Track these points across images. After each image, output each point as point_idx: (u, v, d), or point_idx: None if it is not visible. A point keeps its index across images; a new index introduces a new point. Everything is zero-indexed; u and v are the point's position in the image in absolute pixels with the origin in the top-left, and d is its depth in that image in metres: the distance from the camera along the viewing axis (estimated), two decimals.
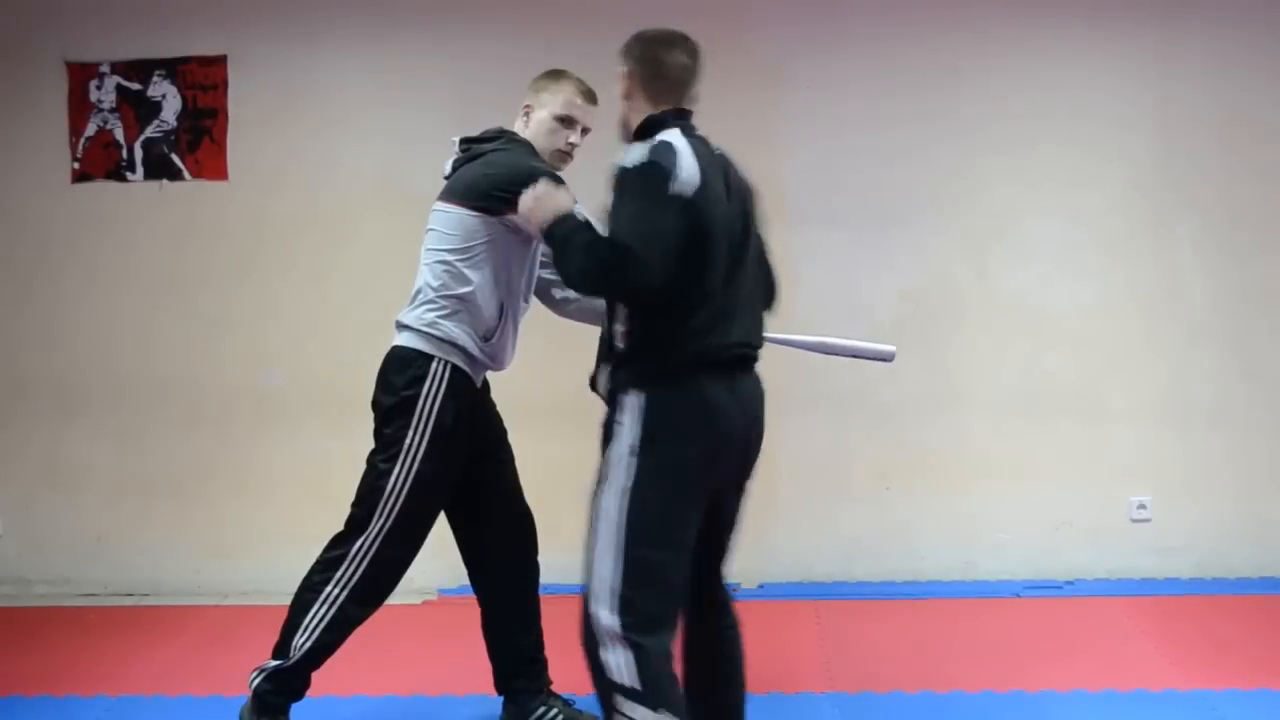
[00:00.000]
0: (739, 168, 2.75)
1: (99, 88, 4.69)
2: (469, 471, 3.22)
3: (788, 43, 4.53)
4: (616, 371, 2.65)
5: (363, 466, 3.16)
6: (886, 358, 3.16)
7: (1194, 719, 3.39)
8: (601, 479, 2.63)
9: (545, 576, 3.49)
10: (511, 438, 3.37)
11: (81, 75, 4.68)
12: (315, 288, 4.67)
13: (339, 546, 3.12)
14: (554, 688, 3.38)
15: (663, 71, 2.71)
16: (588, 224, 2.61)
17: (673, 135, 2.63)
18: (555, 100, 3.21)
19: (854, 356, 3.21)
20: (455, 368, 3.10)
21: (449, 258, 3.08)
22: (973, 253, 4.62)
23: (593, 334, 2.84)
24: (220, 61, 4.66)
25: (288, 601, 3.20)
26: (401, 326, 3.14)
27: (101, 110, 4.69)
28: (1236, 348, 4.59)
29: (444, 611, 4.33)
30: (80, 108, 4.69)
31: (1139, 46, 4.56)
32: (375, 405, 3.15)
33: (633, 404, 2.59)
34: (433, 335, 3.09)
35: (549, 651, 3.37)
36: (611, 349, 2.67)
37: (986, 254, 4.62)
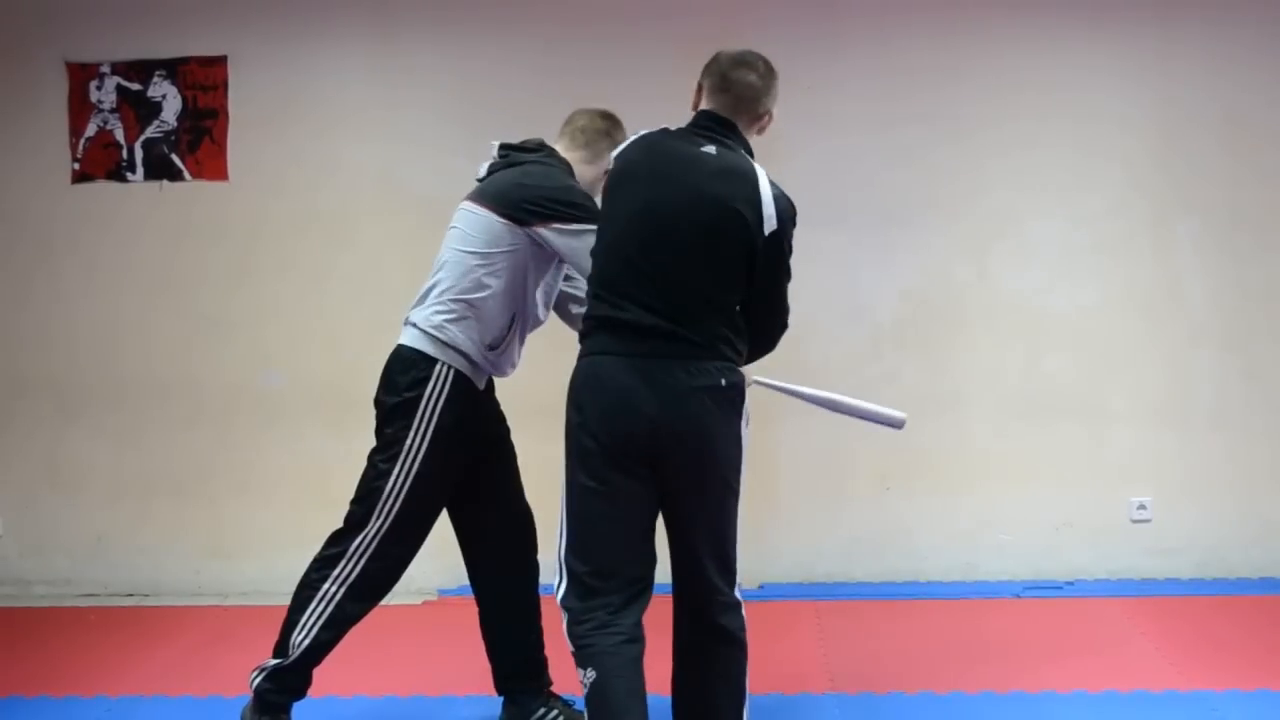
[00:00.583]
0: (730, 180, 2.72)
1: (99, 88, 4.69)
2: (470, 470, 3.22)
3: (788, 44, 4.50)
4: None
5: (363, 467, 3.16)
6: (896, 425, 3.13)
7: (1194, 719, 3.39)
8: None
9: (545, 577, 3.49)
10: (513, 437, 3.37)
11: (82, 75, 4.68)
12: (315, 288, 4.67)
13: (337, 544, 3.13)
14: (554, 688, 3.38)
15: (725, 85, 2.85)
16: None
17: (653, 127, 2.83)
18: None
19: (862, 419, 3.19)
20: (458, 372, 3.10)
21: (470, 260, 3.09)
22: (973, 253, 4.62)
23: None
24: (220, 62, 4.66)
25: (288, 602, 3.20)
26: (409, 324, 3.15)
27: (102, 110, 4.69)
28: (1236, 348, 4.59)
29: (444, 611, 4.32)
30: (80, 108, 4.69)
31: (1139, 47, 4.56)
32: (378, 404, 3.16)
33: None
34: (438, 339, 3.09)
35: (549, 652, 3.37)
36: None
37: (987, 255, 4.62)
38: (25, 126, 4.70)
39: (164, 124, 4.69)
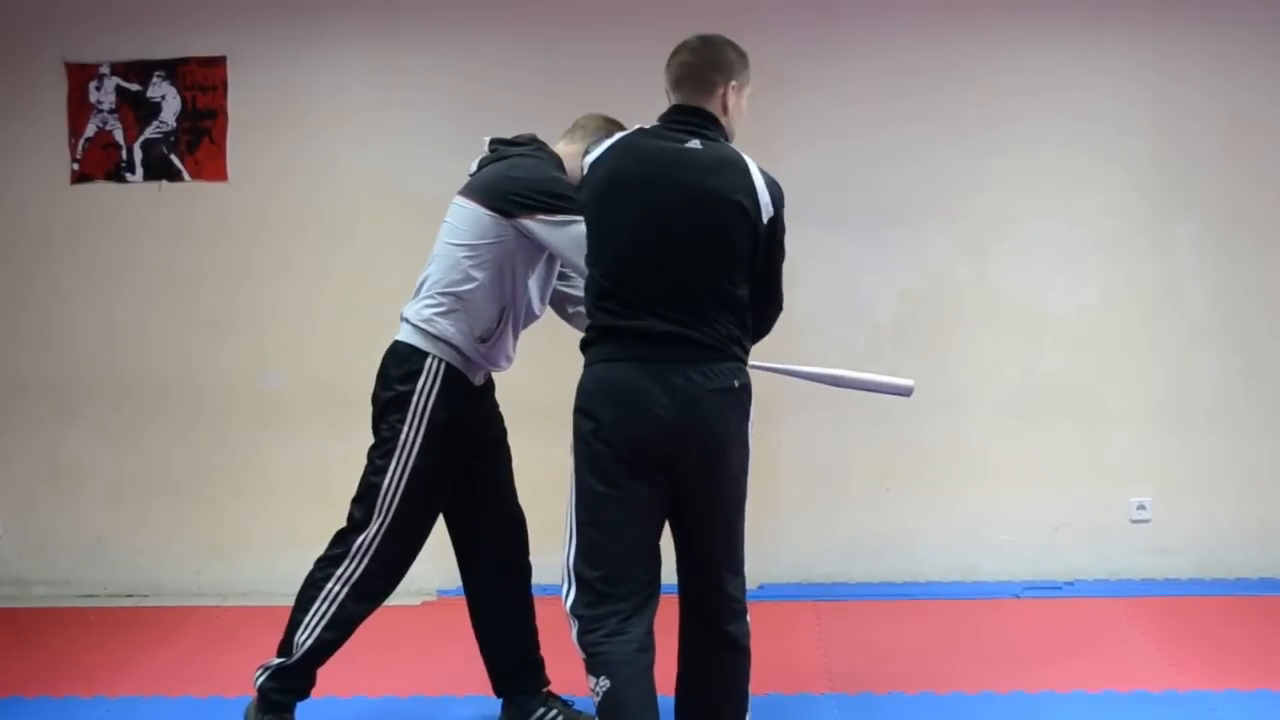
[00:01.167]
0: (720, 171, 2.72)
1: (98, 88, 4.69)
2: (465, 469, 3.22)
3: (788, 44, 4.53)
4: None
5: (362, 467, 3.16)
6: (904, 392, 3.09)
7: (1193, 719, 3.39)
8: None
9: (545, 577, 3.49)
10: (511, 438, 3.37)
11: (81, 76, 4.68)
12: (315, 288, 4.67)
13: (340, 544, 3.14)
14: (553, 688, 3.38)
15: (669, 73, 2.86)
16: None
17: (630, 129, 2.83)
18: None
19: (868, 390, 3.17)
20: (450, 365, 3.10)
21: (457, 253, 3.10)
22: (973, 253, 4.62)
23: None
24: (220, 62, 4.66)
25: (288, 603, 3.20)
26: (403, 320, 3.16)
27: (101, 111, 4.69)
28: (1236, 348, 4.59)
29: (444, 612, 4.32)
30: (80, 109, 4.69)
31: (1139, 47, 4.56)
32: (373, 399, 3.17)
33: None
34: (428, 332, 3.10)
35: (549, 653, 3.37)
36: None
37: (986, 254, 4.62)
38: (25, 127, 4.70)
39: (163, 124, 4.68)
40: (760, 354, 2.89)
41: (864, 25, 4.57)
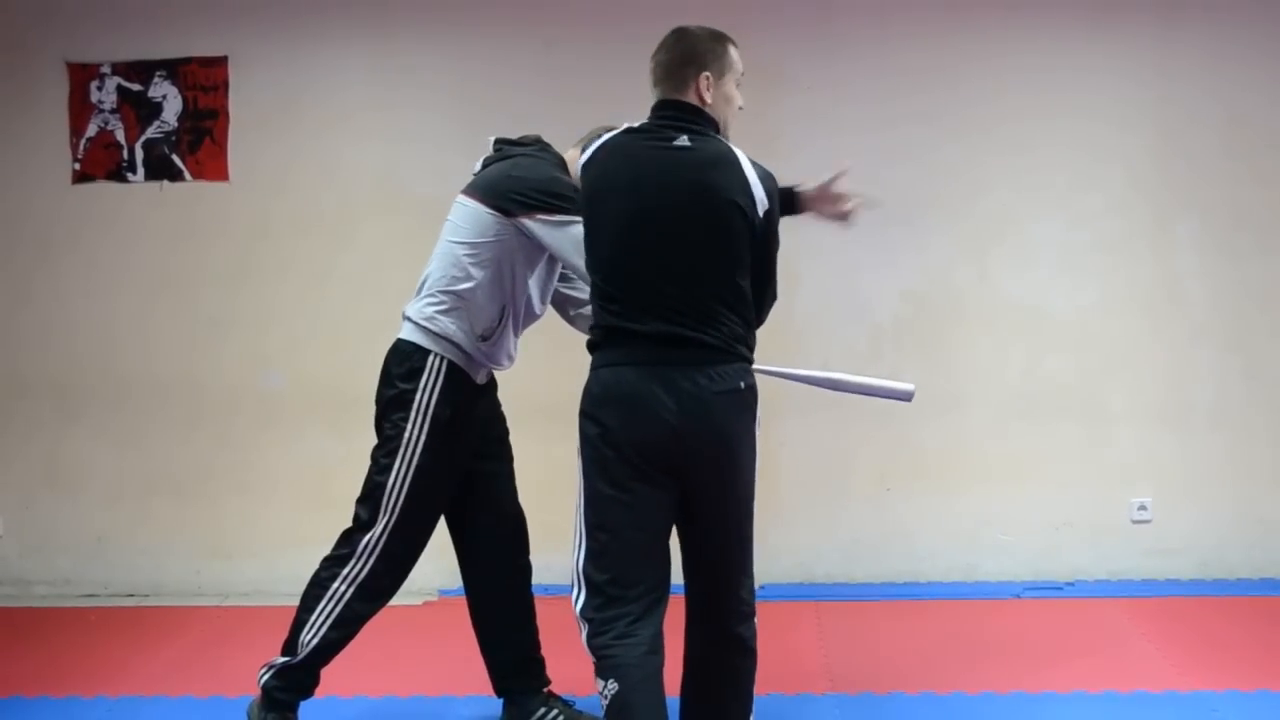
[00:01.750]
0: (714, 167, 2.70)
1: (100, 88, 4.69)
2: (467, 469, 3.22)
3: (788, 44, 4.53)
4: None
5: (363, 467, 3.17)
6: (905, 397, 3.07)
7: (1193, 719, 3.39)
8: None
9: (546, 576, 3.51)
10: (513, 437, 3.38)
11: (82, 76, 4.68)
12: (316, 288, 4.67)
13: (346, 544, 3.14)
14: (554, 688, 3.38)
15: (651, 71, 2.83)
16: None
17: (618, 130, 2.79)
18: None
19: (868, 395, 3.16)
20: (452, 363, 3.10)
21: (457, 251, 3.10)
22: (973, 253, 4.62)
23: None
24: (221, 62, 4.66)
25: (289, 602, 3.21)
26: (405, 318, 3.17)
27: (102, 111, 4.69)
28: (1236, 348, 4.59)
29: (444, 611, 4.32)
30: (81, 108, 4.69)
31: (1139, 47, 4.56)
32: (377, 399, 3.18)
33: None
34: (430, 330, 3.10)
35: (549, 652, 3.37)
36: None
37: (987, 255, 4.62)
38: (25, 127, 4.70)
39: (164, 124, 4.69)
40: (761, 354, 2.88)
41: (865, 25, 4.58)
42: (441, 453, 3.11)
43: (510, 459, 3.37)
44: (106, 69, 4.68)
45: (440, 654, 3.94)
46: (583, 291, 3.26)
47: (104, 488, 4.75)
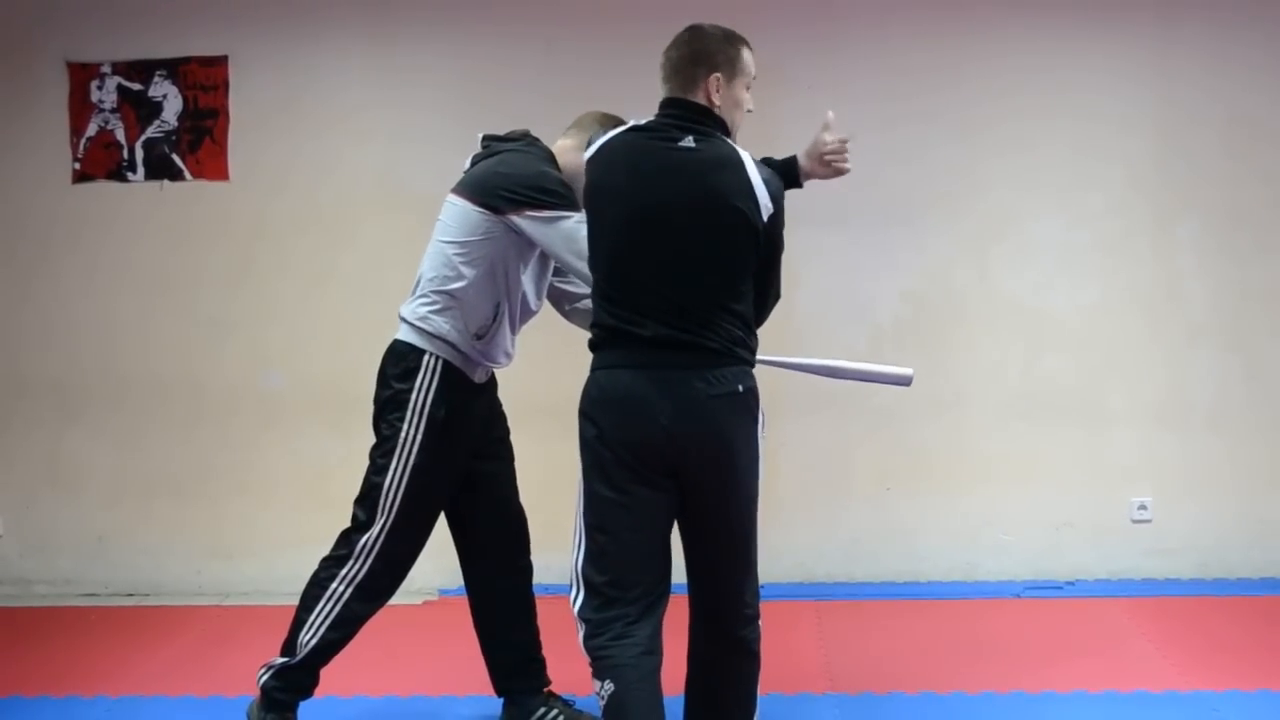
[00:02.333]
0: (719, 169, 2.69)
1: (100, 88, 4.69)
2: (467, 469, 3.22)
3: (788, 43, 4.53)
4: None
5: (363, 467, 3.17)
6: (904, 382, 3.06)
7: (1194, 719, 3.39)
8: None
9: (546, 576, 3.50)
10: (513, 437, 3.38)
11: (82, 75, 4.68)
12: (316, 288, 4.67)
13: (344, 545, 3.14)
14: (554, 688, 3.39)
15: (662, 68, 2.81)
16: None
17: (621, 128, 2.78)
18: None
19: (867, 380, 3.14)
20: (448, 362, 3.10)
21: (448, 250, 3.10)
22: (973, 253, 4.62)
23: None
24: (221, 62, 4.66)
25: (289, 602, 3.21)
26: (401, 320, 3.17)
27: (102, 110, 4.69)
28: (1236, 348, 4.59)
29: (444, 611, 4.32)
30: (81, 108, 4.69)
31: (1139, 46, 4.56)
32: (374, 399, 3.18)
33: None
34: (424, 330, 3.10)
35: (550, 652, 3.38)
36: None
37: (987, 255, 4.62)
38: (26, 126, 4.70)
39: (165, 124, 4.69)
40: (761, 354, 2.89)
41: (865, 25, 4.57)
42: (438, 452, 3.11)
43: (511, 459, 3.37)
44: (107, 68, 4.68)
45: (440, 654, 3.94)
46: (578, 286, 3.25)
47: (104, 487, 4.75)
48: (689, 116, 2.73)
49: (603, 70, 4.43)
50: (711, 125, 2.74)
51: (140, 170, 4.70)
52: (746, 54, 2.82)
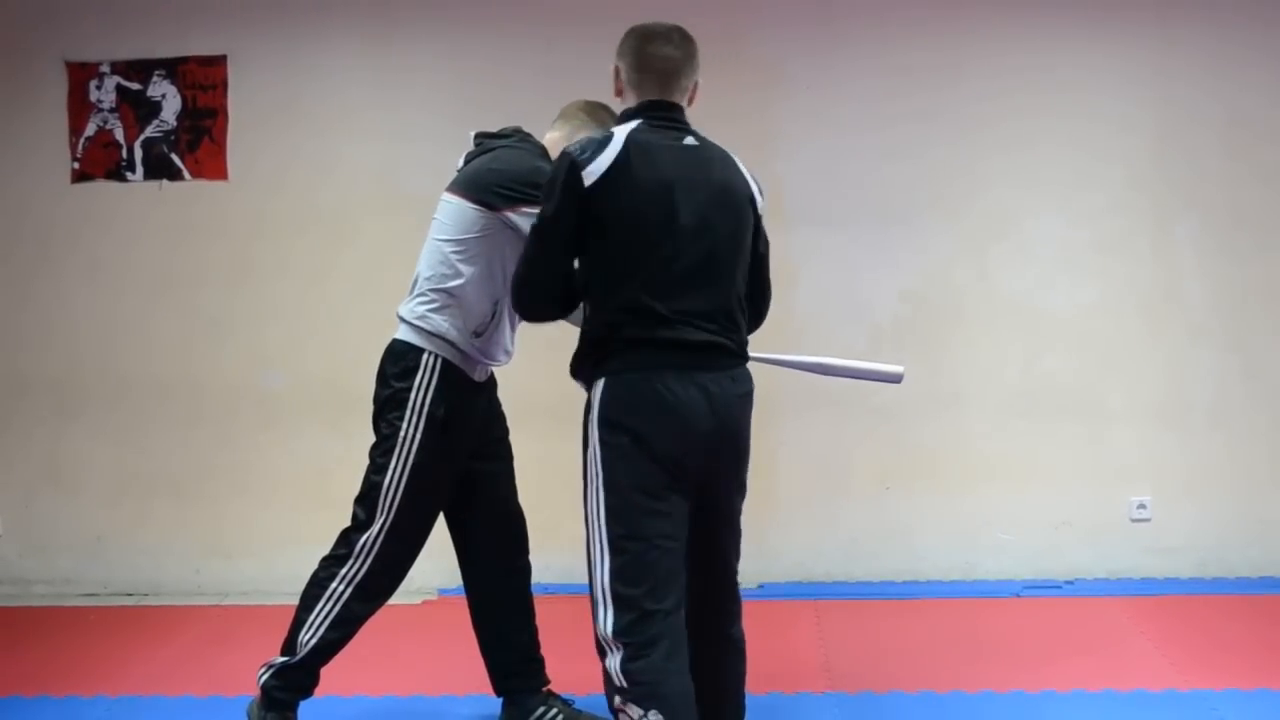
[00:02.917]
0: (726, 166, 2.72)
1: (99, 87, 4.69)
2: (466, 468, 3.22)
3: (788, 43, 4.53)
4: (576, 360, 2.75)
5: (362, 466, 3.17)
6: (894, 379, 3.05)
7: (1194, 719, 3.39)
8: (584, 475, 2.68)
9: (546, 576, 3.51)
10: (513, 437, 3.38)
11: (81, 75, 4.68)
12: (315, 288, 4.67)
13: (344, 544, 3.14)
14: (554, 688, 3.39)
15: (645, 64, 2.74)
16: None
17: (627, 127, 2.68)
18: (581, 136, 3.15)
19: (856, 378, 3.13)
20: (447, 361, 3.10)
21: (445, 248, 3.10)
22: (973, 253, 4.62)
23: None
24: (220, 61, 4.65)
25: (288, 601, 3.21)
26: (399, 319, 3.17)
27: (101, 110, 4.69)
28: (1236, 348, 4.59)
29: (444, 611, 4.32)
30: (80, 107, 4.69)
31: (1139, 46, 4.56)
32: (374, 399, 3.18)
33: (593, 394, 2.66)
34: (423, 329, 3.10)
35: (549, 652, 3.38)
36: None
37: (986, 254, 4.62)
38: (25, 126, 4.70)
39: (164, 123, 4.68)
40: (752, 349, 2.88)
41: (864, 25, 4.57)
42: (438, 451, 3.10)
43: (510, 459, 3.37)
44: (105, 68, 4.68)
45: (440, 654, 3.94)
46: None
47: (104, 487, 4.74)
48: (678, 118, 2.74)
49: (603, 70, 4.38)
50: (688, 125, 2.76)
51: (139, 170, 4.70)
52: None
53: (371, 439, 3.17)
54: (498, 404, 3.34)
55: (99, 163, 4.71)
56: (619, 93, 2.81)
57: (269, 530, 4.66)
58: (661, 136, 2.69)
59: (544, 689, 3.37)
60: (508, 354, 3.23)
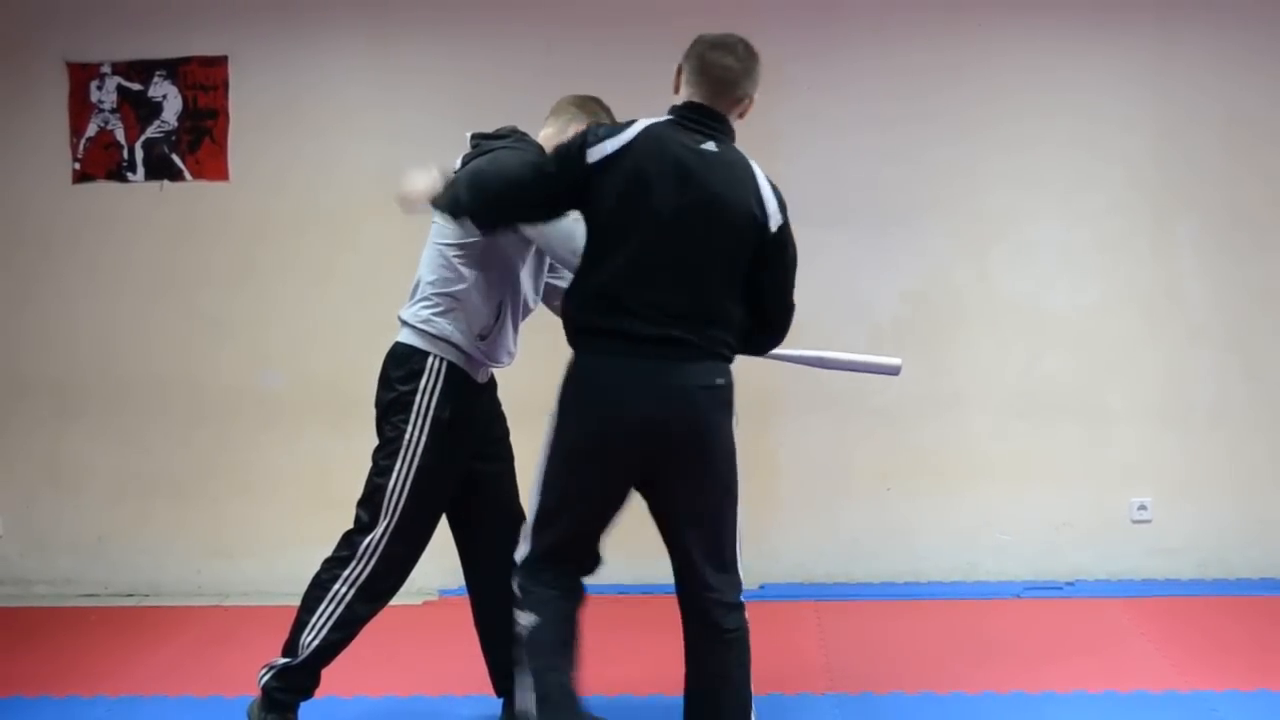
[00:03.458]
0: (735, 181, 2.74)
1: (100, 88, 4.69)
2: (467, 470, 3.22)
3: (789, 44, 4.53)
4: None
5: (363, 467, 3.17)
6: (892, 371, 3.08)
7: (1194, 719, 3.39)
8: None
9: None
10: (513, 438, 3.37)
11: (82, 76, 4.69)
12: (316, 288, 4.67)
13: (347, 546, 3.14)
14: None
15: (704, 69, 2.81)
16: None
17: (652, 119, 2.76)
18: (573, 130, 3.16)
19: (856, 371, 3.16)
20: (451, 364, 3.10)
21: (446, 252, 3.11)
22: (973, 253, 4.62)
23: None
24: (221, 62, 4.66)
25: (289, 602, 3.21)
26: (402, 323, 3.16)
27: (102, 111, 4.70)
28: (1236, 348, 4.59)
29: (444, 611, 4.32)
30: (81, 108, 4.69)
31: (1139, 46, 4.56)
32: (376, 402, 3.17)
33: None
34: (427, 332, 3.10)
35: None
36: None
37: (987, 255, 4.62)
38: (25, 126, 4.70)
39: (164, 124, 4.69)
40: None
41: (865, 26, 4.58)
42: (442, 453, 3.11)
43: (511, 459, 3.37)
44: (106, 69, 4.68)
45: (440, 654, 3.94)
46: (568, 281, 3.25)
47: (104, 487, 4.75)
48: (712, 124, 2.78)
49: (603, 71, 4.41)
50: (728, 134, 2.80)
51: (140, 170, 4.70)
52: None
53: (373, 440, 3.17)
54: (498, 404, 3.35)
55: (100, 163, 4.71)
56: (676, 90, 2.85)
57: (270, 531, 4.66)
58: (681, 135, 2.74)
59: None
60: (511, 355, 3.24)
